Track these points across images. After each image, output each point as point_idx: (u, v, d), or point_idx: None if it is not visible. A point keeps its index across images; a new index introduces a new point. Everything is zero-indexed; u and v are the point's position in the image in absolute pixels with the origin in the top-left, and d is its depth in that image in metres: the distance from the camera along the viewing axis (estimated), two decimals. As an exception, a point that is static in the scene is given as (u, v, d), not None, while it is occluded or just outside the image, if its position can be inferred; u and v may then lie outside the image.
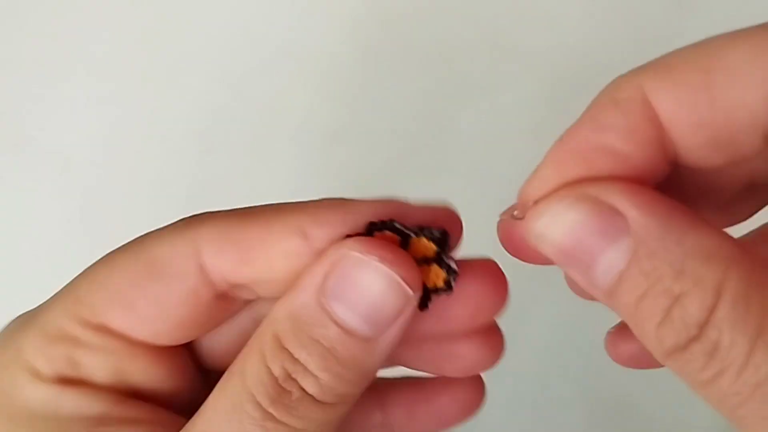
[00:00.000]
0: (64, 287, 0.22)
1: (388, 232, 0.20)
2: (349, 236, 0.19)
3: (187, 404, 0.22)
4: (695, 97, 0.17)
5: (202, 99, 0.44)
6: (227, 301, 0.21)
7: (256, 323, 0.22)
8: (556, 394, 0.39)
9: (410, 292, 0.19)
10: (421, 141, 0.43)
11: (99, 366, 0.21)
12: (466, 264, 0.21)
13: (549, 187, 0.18)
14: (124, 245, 0.21)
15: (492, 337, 0.22)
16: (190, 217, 0.21)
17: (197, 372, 0.23)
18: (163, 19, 0.46)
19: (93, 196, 0.43)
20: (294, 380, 0.19)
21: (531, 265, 0.20)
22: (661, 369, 0.18)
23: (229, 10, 0.46)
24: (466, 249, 0.21)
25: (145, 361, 0.21)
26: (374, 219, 0.20)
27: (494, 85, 0.44)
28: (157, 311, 0.20)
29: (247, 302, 0.22)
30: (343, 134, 0.44)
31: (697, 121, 0.17)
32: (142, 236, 0.21)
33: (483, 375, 0.23)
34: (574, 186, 0.18)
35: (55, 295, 0.22)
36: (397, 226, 0.20)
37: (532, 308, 0.40)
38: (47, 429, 0.20)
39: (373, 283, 0.19)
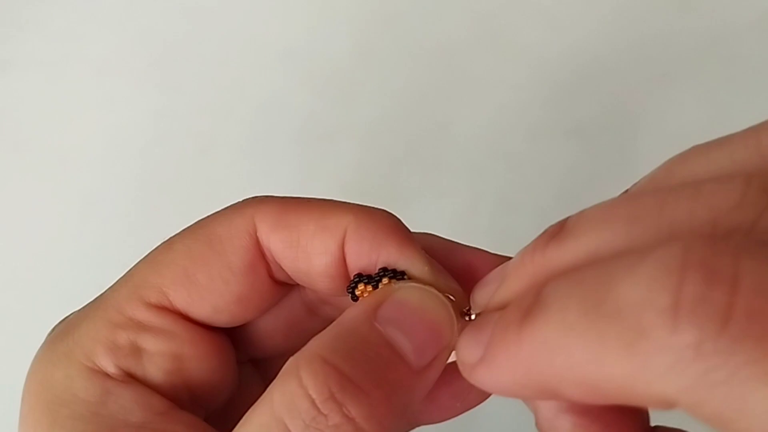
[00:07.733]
0: (125, 274, 0.22)
1: (386, 280, 0.20)
2: (359, 275, 0.20)
3: (225, 401, 0.23)
4: None
5: (202, 99, 0.45)
6: (279, 283, 0.22)
7: (303, 307, 0.23)
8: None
9: (456, 325, 0.19)
10: (421, 141, 0.43)
11: (160, 351, 0.21)
12: None
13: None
14: (182, 230, 0.22)
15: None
16: (249, 198, 0.22)
17: (237, 366, 0.23)
18: (164, 19, 0.46)
19: (93, 197, 0.43)
20: (336, 402, 0.17)
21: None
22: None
23: (229, 10, 0.46)
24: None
25: (202, 346, 0.21)
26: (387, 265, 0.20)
27: (494, 84, 0.44)
28: (217, 285, 0.21)
29: (294, 287, 0.23)
30: (343, 134, 0.44)
31: None
32: (200, 219, 0.22)
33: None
34: None
35: (115, 283, 0.22)
36: (405, 277, 0.20)
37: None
38: (85, 431, 0.20)
39: (431, 310, 0.19)
